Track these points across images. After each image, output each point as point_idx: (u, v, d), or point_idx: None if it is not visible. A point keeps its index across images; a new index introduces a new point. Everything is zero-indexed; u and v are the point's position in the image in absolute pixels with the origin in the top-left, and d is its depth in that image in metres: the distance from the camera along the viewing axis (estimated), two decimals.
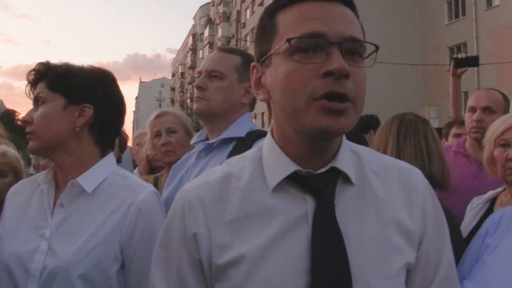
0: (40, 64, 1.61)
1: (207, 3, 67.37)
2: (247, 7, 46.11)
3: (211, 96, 1.97)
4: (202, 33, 63.90)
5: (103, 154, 1.66)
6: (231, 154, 1.90)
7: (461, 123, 3.72)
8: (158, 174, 3.01)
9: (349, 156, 1.08)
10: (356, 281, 0.96)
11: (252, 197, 1.05)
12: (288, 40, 0.95)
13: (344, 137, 1.09)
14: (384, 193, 1.08)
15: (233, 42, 47.39)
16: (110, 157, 1.68)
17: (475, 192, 2.33)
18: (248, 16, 45.75)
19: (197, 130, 2.30)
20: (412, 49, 25.98)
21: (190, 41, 71.68)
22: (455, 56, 3.76)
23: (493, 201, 2.11)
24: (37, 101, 1.58)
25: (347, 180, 1.06)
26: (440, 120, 15.49)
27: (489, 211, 2.07)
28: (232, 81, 2.00)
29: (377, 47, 0.99)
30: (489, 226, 1.59)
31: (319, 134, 0.97)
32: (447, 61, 23.62)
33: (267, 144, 1.12)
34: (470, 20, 24.67)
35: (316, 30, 0.94)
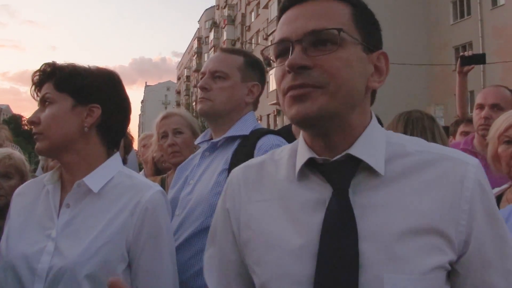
0: (46, 64, 1.60)
1: (212, 7, 67.60)
2: (252, 10, 46.19)
3: (215, 97, 1.98)
4: (207, 37, 64.08)
5: (109, 154, 1.66)
6: (235, 153, 1.91)
7: (469, 121, 3.71)
8: (165, 175, 3.02)
9: (376, 145, 1.06)
10: (365, 273, 0.95)
11: (281, 183, 1.13)
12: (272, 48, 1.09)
13: (372, 125, 1.09)
14: (420, 185, 1.01)
15: (238, 44, 47.42)
16: (116, 157, 1.68)
17: None
18: (253, 19, 45.82)
19: (203, 130, 2.31)
20: (417, 49, 25.93)
21: (195, 44, 71.84)
22: (461, 54, 3.74)
23: (498, 198, 2.09)
24: (44, 101, 1.57)
25: (371, 170, 1.03)
26: (446, 119, 15.44)
27: None
28: (235, 81, 2.01)
29: (339, 30, 1.00)
30: None
31: (295, 123, 1.05)
32: (452, 60, 23.57)
33: (300, 135, 1.17)
34: (476, 20, 24.63)
35: (283, 36, 1.06)
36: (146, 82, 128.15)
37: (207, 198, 1.85)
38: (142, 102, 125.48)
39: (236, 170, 1.26)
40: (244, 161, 1.83)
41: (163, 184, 2.84)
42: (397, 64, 20.99)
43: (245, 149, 1.90)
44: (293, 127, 2.90)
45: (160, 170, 3.38)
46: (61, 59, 1.65)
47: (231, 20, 52.46)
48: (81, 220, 1.52)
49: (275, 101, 34.45)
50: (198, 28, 74.89)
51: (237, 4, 52.45)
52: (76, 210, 1.54)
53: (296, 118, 1.03)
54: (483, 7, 24.33)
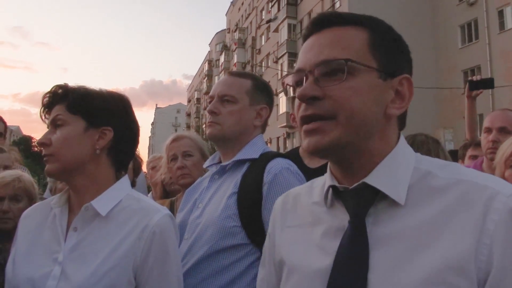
0: (58, 86, 1.61)
1: (222, 30, 68.43)
2: (262, 34, 46.65)
3: (224, 121, 1.99)
4: (218, 59, 64.61)
5: (118, 177, 1.66)
6: (244, 176, 1.91)
7: (477, 144, 3.70)
8: (173, 198, 3.01)
9: (398, 172, 1.02)
10: None
11: (313, 209, 1.15)
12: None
13: (396, 151, 1.05)
14: (440, 215, 0.94)
15: (248, 67, 47.82)
16: (125, 180, 1.68)
17: None
18: (263, 42, 46.26)
19: (213, 153, 2.32)
20: (426, 72, 25.94)
21: (206, 67, 72.48)
22: (469, 78, 3.75)
23: None
24: (55, 123, 1.57)
25: (390, 198, 1.00)
26: (455, 142, 15.36)
27: None
28: (244, 104, 2.02)
29: (346, 60, 0.99)
30: None
31: (308, 154, 1.06)
32: (461, 84, 23.57)
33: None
34: (483, 44, 24.74)
35: (299, 66, 1.07)
36: (156, 104, 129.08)
37: (216, 222, 1.84)
38: (152, 124, 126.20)
39: (279, 197, 1.32)
40: (253, 184, 1.87)
41: (172, 207, 2.83)
42: None
43: (254, 172, 1.90)
44: (301, 150, 2.90)
45: (169, 193, 3.38)
46: (72, 81, 1.68)
47: (242, 43, 52.96)
48: (88, 244, 1.51)
49: (285, 124, 34.61)
50: (209, 51, 75.70)
51: (247, 27, 53.01)
52: (83, 234, 1.53)
53: (308, 150, 1.04)
54: (490, 31, 24.43)
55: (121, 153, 1.66)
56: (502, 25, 23.98)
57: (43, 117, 1.62)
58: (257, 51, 47.30)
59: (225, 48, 60.42)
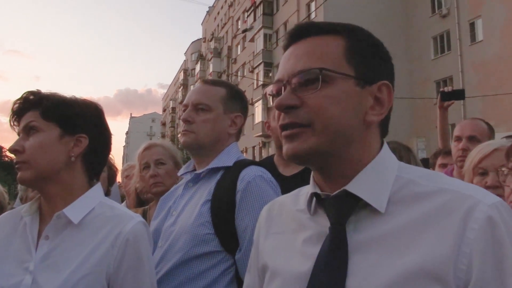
0: (30, 92, 1.58)
1: (198, 39, 68.33)
2: (238, 43, 46.82)
3: (198, 129, 1.99)
4: (194, 69, 64.54)
5: (90, 185, 1.64)
6: (218, 183, 1.92)
7: (446, 153, 3.78)
8: (146, 207, 2.99)
9: (380, 180, 1.03)
10: None
11: (297, 216, 1.16)
12: None
13: (378, 159, 1.06)
14: (420, 223, 0.94)
15: (224, 77, 47.82)
16: (98, 188, 1.66)
17: None
18: (239, 52, 46.42)
19: (187, 162, 2.32)
20: (399, 83, 26.27)
21: (182, 76, 72.27)
22: (441, 89, 3.83)
23: None
24: (28, 129, 1.54)
25: (371, 207, 1.00)
26: (428, 151, 15.66)
27: None
28: (218, 112, 2.02)
29: (320, 69, 1.00)
30: None
31: (288, 159, 1.07)
32: (434, 94, 24.02)
33: None
34: (455, 55, 25.31)
35: (277, 76, 1.09)
36: (131, 114, 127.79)
37: (189, 229, 1.84)
38: (126, 133, 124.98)
39: (266, 205, 1.33)
40: (227, 192, 1.87)
41: (145, 215, 2.80)
42: None
43: (228, 180, 1.90)
44: (275, 158, 2.91)
45: (143, 202, 3.36)
46: (45, 89, 1.63)
47: (217, 53, 53.03)
48: (60, 252, 1.49)
49: (260, 133, 34.67)
50: (185, 60, 75.51)
51: (223, 37, 53.13)
52: (56, 242, 1.51)
53: (287, 155, 1.05)
54: (462, 42, 25.02)
55: (94, 161, 1.65)
56: (473, 37, 24.57)
57: (12, 124, 1.59)
58: (232, 61, 47.39)
59: (201, 57, 60.40)
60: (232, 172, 1.92)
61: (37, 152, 1.52)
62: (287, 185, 1.80)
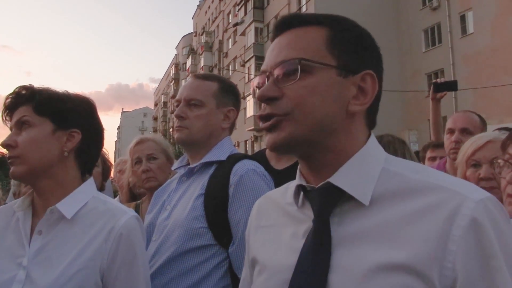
0: (22, 87, 1.58)
1: (189, 33, 68.09)
2: (229, 37, 46.67)
3: (191, 125, 1.99)
4: (185, 63, 64.31)
5: (83, 179, 1.64)
6: (211, 177, 1.93)
7: (435, 146, 3.80)
8: (139, 202, 2.99)
9: (365, 172, 1.02)
10: None
11: (285, 209, 1.16)
12: None
13: (364, 151, 1.04)
14: (406, 217, 0.93)
15: (215, 71, 47.73)
16: (90, 182, 1.66)
17: None
18: (230, 46, 46.28)
19: (179, 156, 2.31)
20: (391, 76, 26.43)
21: (173, 70, 72.04)
22: (434, 81, 3.83)
23: None
24: (20, 124, 1.54)
25: (355, 199, 0.99)
26: (420, 143, 15.75)
27: None
28: (211, 107, 2.02)
29: (299, 59, 1.01)
30: None
31: (270, 150, 1.09)
32: (425, 87, 24.15)
33: None
34: (446, 48, 25.39)
35: (262, 69, 1.10)
36: (122, 108, 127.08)
37: (183, 223, 1.84)
38: (118, 128, 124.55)
39: (258, 199, 1.34)
40: (220, 186, 1.88)
41: (137, 210, 2.81)
42: None
43: (221, 174, 1.91)
44: (267, 152, 2.92)
45: (135, 196, 3.36)
46: (36, 85, 1.62)
47: (209, 47, 52.88)
48: (53, 247, 1.49)
49: (252, 127, 34.67)
50: (176, 55, 75.26)
51: (214, 31, 52.96)
52: (49, 237, 1.51)
53: (268, 146, 1.06)
54: (453, 35, 25.09)
55: (87, 156, 1.65)
56: (464, 29, 24.64)
57: (4, 119, 1.58)
58: (224, 55, 47.29)
59: (192, 51, 60.18)
60: (225, 166, 1.92)
61: (29, 147, 1.51)
62: (279, 178, 1.81)
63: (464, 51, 24.21)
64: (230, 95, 2.11)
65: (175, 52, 76.93)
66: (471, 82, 22.47)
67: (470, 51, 23.68)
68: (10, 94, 1.58)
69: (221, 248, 1.82)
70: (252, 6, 37.90)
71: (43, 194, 1.57)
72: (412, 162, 1.09)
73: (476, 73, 22.97)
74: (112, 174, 4.29)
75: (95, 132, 1.66)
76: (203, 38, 54.17)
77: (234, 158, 1.96)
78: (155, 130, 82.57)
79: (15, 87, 1.59)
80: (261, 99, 1.04)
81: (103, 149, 1.80)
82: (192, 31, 66.92)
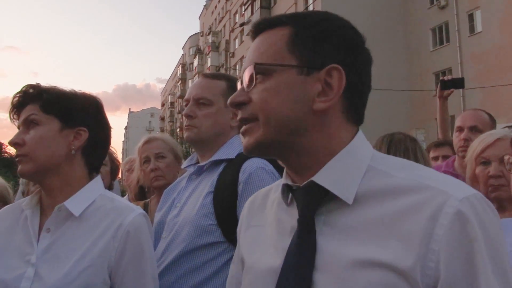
0: (29, 86, 1.59)
1: (196, 33, 68.20)
2: (236, 37, 46.70)
3: (200, 124, 2.00)
4: (192, 63, 64.38)
5: (91, 178, 1.65)
6: (221, 176, 1.93)
7: (437, 145, 3.80)
8: (147, 200, 3.00)
9: (349, 171, 1.00)
10: None
11: (275, 207, 1.15)
12: None
13: (348, 149, 1.02)
14: (390, 215, 0.92)
15: (222, 71, 47.76)
16: (98, 180, 1.67)
17: None
18: (237, 46, 46.30)
19: (187, 155, 2.32)
20: (398, 75, 26.38)
21: (180, 70, 72.13)
22: (441, 78, 3.82)
23: None
24: (28, 123, 1.55)
25: (339, 198, 0.98)
26: (427, 142, 15.70)
27: None
28: (220, 106, 2.03)
29: (255, 65, 1.03)
30: None
31: (244, 153, 1.10)
32: (433, 86, 24.03)
33: None
34: (454, 46, 25.26)
35: (239, 76, 1.13)
36: (130, 109, 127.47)
37: (193, 220, 1.85)
38: (125, 128, 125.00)
39: (249, 197, 1.33)
40: (229, 183, 1.88)
41: (146, 209, 2.82)
42: (379, 90, 21.31)
43: (230, 172, 1.92)
44: None
45: (145, 194, 3.36)
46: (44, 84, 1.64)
47: (215, 47, 52.92)
48: (61, 245, 1.50)
49: None
50: (183, 55, 75.39)
51: (221, 31, 53.01)
52: (57, 235, 1.52)
53: (243, 151, 1.08)
54: (461, 34, 24.98)
55: (94, 154, 1.65)
56: (472, 28, 24.54)
57: (12, 117, 1.59)
58: (230, 55, 47.32)
59: (199, 51, 60.26)
60: (234, 164, 1.93)
61: (37, 145, 1.52)
62: None
63: (472, 50, 24.09)
64: None
65: (181, 52, 77.10)
66: (479, 81, 22.37)
67: (478, 50, 23.56)
68: (17, 93, 1.59)
69: (230, 245, 1.82)
70: (259, 5, 37.89)
71: (51, 192, 1.58)
72: (400, 159, 1.07)
73: (484, 71, 22.85)
74: (120, 174, 4.30)
75: (102, 130, 1.67)
76: (210, 38, 54.22)
77: (243, 156, 1.95)
78: (162, 130, 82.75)
79: (22, 86, 1.60)
80: (231, 105, 1.08)
81: (111, 148, 1.81)
82: (198, 31, 67.05)
